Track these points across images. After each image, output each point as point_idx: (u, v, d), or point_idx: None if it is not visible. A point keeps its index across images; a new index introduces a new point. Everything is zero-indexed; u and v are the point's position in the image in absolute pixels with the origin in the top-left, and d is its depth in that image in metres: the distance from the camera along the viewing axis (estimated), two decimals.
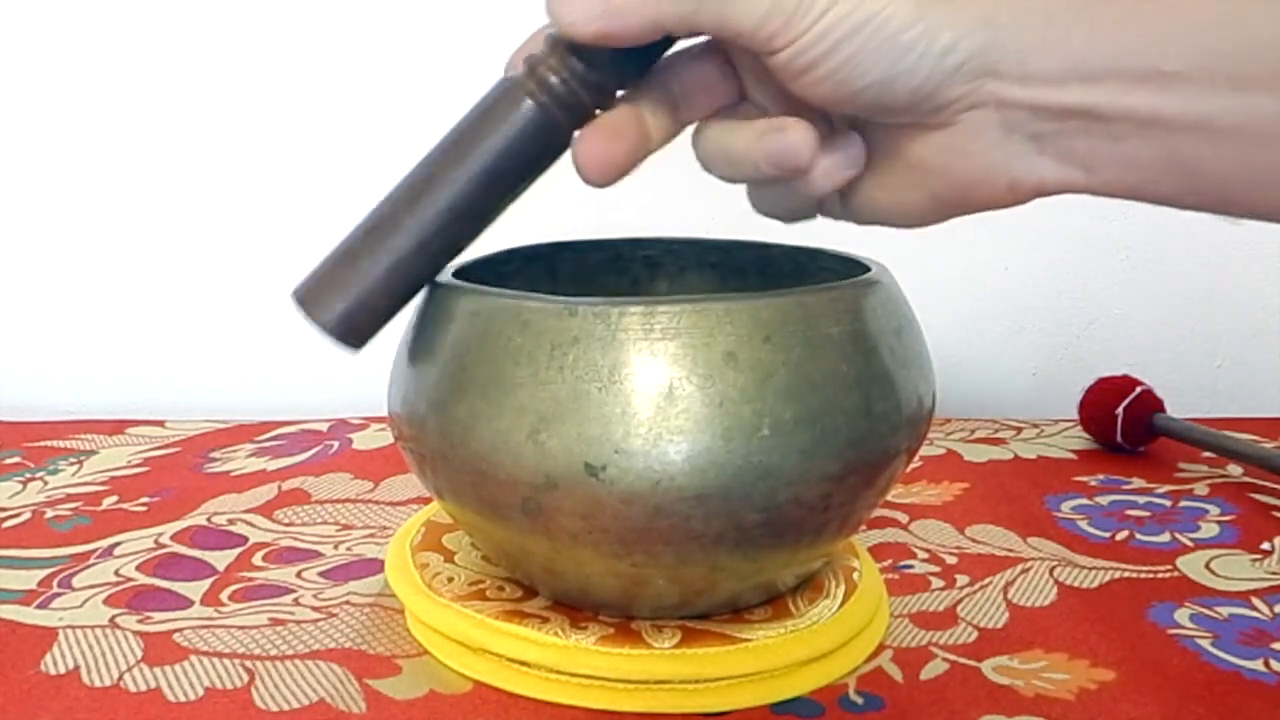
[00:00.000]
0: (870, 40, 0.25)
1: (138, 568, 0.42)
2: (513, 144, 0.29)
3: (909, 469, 0.52)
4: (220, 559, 0.43)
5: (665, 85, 0.30)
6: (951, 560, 0.42)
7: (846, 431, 0.29)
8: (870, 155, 0.29)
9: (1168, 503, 0.49)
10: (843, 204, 0.31)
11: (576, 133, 0.30)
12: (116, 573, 0.41)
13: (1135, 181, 0.26)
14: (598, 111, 0.30)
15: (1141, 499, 0.49)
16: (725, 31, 0.26)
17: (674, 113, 0.30)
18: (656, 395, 0.28)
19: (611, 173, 0.29)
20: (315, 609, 0.38)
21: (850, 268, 0.36)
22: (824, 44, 0.26)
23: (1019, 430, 0.60)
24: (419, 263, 0.30)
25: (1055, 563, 0.42)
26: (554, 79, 0.29)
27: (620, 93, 0.30)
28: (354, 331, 0.31)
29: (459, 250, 0.31)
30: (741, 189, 0.32)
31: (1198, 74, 0.24)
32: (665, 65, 0.30)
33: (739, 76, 0.30)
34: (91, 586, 0.40)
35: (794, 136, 0.28)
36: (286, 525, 0.47)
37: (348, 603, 0.39)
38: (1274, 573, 0.41)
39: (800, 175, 0.29)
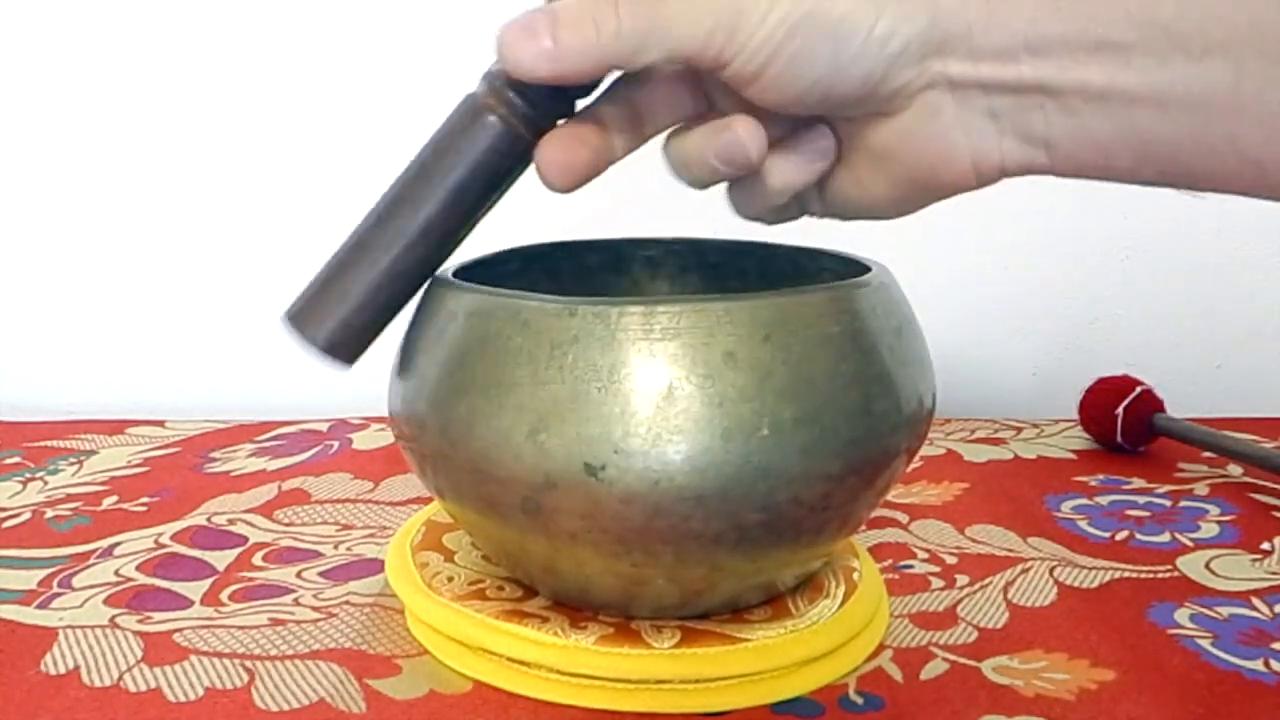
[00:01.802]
0: (811, 38, 0.26)
1: (138, 568, 0.42)
2: (478, 160, 0.30)
3: (909, 469, 0.52)
4: (220, 559, 0.43)
5: (628, 98, 0.30)
6: (951, 560, 0.42)
7: (846, 431, 0.29)
8: (838, 150, 0.30)
9: (1168, 503, 0.49)
10: (820, 200, 0.31)
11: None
12: (116, 573, 0.41)
13: (1094, 158, 0.27)
14: (560, 121, 0.30)
15: (1141, 499, 0.49)
16: (675, 59, 0.27)
17: (637, 125, 0.31)
18: (656, 395, 0.28)
19: (572, 179, 0.30)
20: (315, 609, 0.38)
21: (851, 268, 0.36)
22: (767, 49, 0.26)
23: (1019, 430, 0.60)
24: (397, 283, 0.31)
25: (1055, 563, 0.42)
26: (514, 95, 0.29)
27: (583, 102, 0.31)
28: (341, 348, 0.32)
29: (435, 266, 0.32)
30: None
31: (1148, 44, 0.24)
32: (628, 79, 0.30)
33: (704, 88, 0.30)
34: (91, 586, 0.40)
35: (740, 132, 0.28)
36: (286, 525, 0.47)
37: (348, 603, 0.39)
38: (1274, 573, 0.41)
39: (751, 170, 0.29)
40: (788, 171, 0.30)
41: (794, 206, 0.32)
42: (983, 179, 0.28)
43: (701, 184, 0.31)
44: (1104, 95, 0.25)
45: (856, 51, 0.26)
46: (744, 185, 0.31)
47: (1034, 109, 0.26)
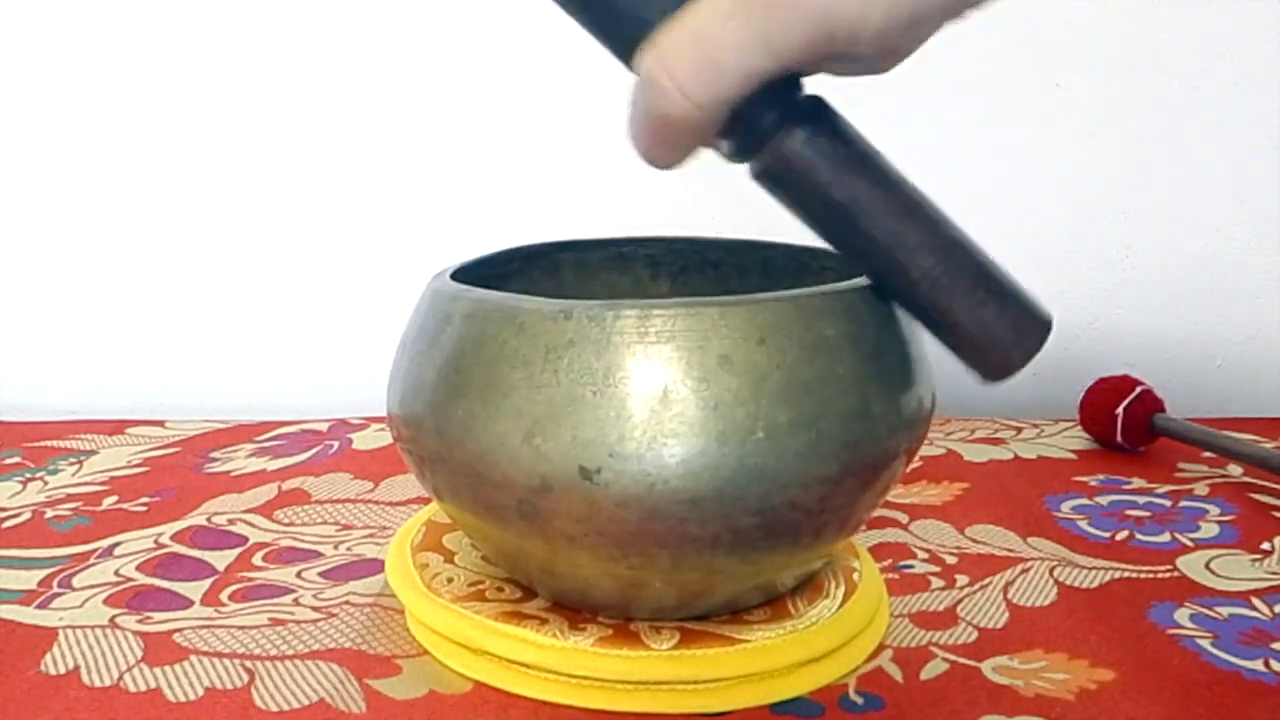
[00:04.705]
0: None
1: (138, 568, 0.42)
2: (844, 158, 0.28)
3: (909, 469, 0.52)
4: (220, 559, 0.43)
5: None
6: (951, 560, 0.42)
7: (843, 434, 0.29)
8: None
9: (1168, 503, 0.49)
10: None
11: None
12: (116, 573, 0.41)
13: None
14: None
15: (1141, 499, 0.49)
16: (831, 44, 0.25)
17: None
18: (651, 398, 0.28)
19: None
20: (315, 609, 0.38)
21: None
22: (879, 44, 0.26)
23: (1019, 430, 0.60)
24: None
25: (1055, 563, 0.42)
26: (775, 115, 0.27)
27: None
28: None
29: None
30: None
31: None
32: None
33: None
34: (91, 586, 0.40)
35: None
36: (286, 525, 0.47)
37: (348, 603, 0.39)
38: (1274, 573, 0.41)
39: None
40: None
41: None
42: None
43: None
44: None
45: None
46: None
47: None
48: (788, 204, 0.29)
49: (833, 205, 0.28)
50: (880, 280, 0.30)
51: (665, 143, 0.27)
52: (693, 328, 0.28)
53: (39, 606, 0.39)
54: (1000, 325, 0.28)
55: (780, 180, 0.28)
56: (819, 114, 0.28)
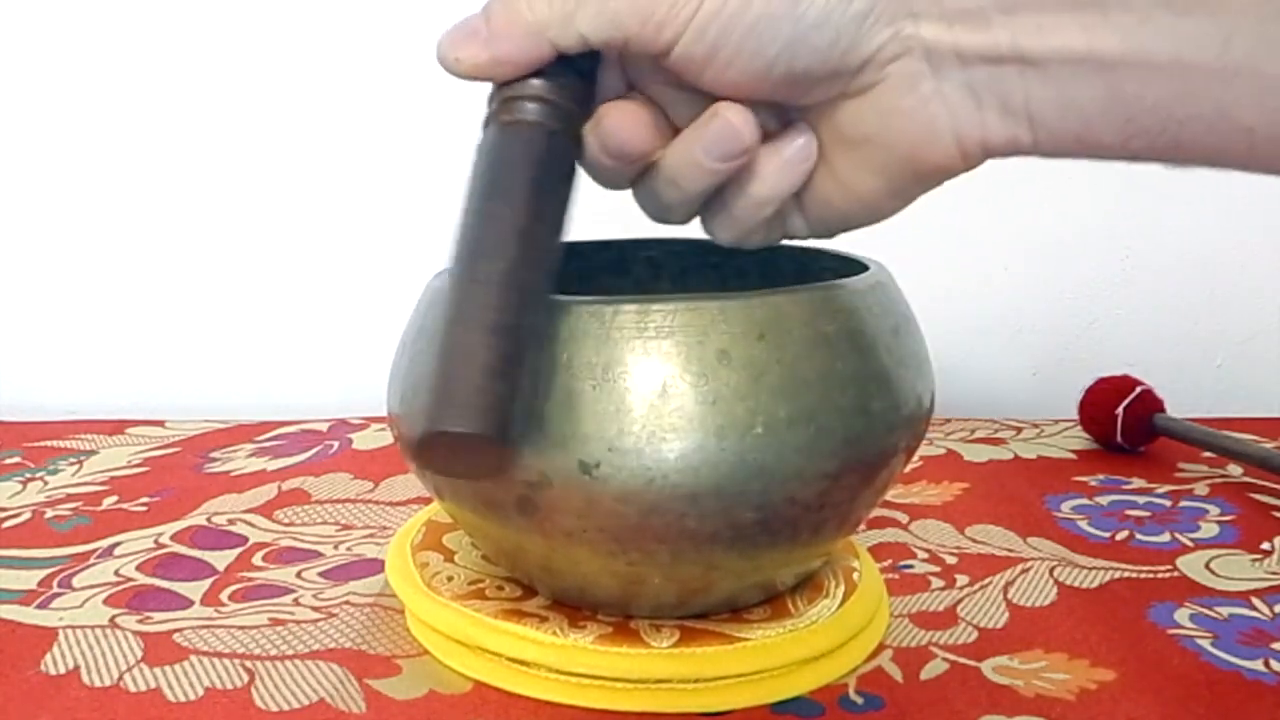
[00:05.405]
0: (768, 3, 0.24)
1: (138, 568, 0.42)
2: (534, 177, 0.27)
3: (909, 469, 0.52)
4: (220, 559, 0.43)
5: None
6: (951, 560, 0.42)
7: (842, 430, 0.29)
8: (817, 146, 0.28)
9: (1168, 503, 0.49)
10: (801, 213, 0.30)
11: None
12: (116, 573, 0.41)
13: (1079, 130, 0.25)
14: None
15: (1141, 499, 0.49)
16: (611, 35, 0.25)
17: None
18: (650, 393, 0.28)
19: (637, 146, 0.28)
20: (315, 609, 0.38)
21: (851, 268, 0.36)
22: (719, 20, 0.24)
23: (1019, 430, 0.60)
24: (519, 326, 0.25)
25: (1055, 563, 0.42)
26: (524, 99, 0.27)
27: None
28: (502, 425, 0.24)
29: (541, 299, 0.27)
30: None
31: None
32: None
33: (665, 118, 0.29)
34: (91, 586, 0.40)
35: (730, 116, 0.26)
36: (286, 525, 0.47)
37: (348, 603, 0.39)
38: (1274, 573, 0.41)
39: (747, 158, 0.27)
40: (771, 175, 0.28)
41: (776, 224, 0.30)
42: (968, 159, 0.27)
43: (690, 203, 0.29)
44: (1083, 59, 0.24)
45: (819, 15, 0.24)
46: (723, 204, 0.29)
47: (1013, 78, 0.25)
48: (483, 157, 0.28)
49: (494, 178, 0.27)
50: (454, 265, 0.26)
51: (495, 26, 0.27)
52: (692, 323, 0.28)
53: (39, 606, 0.39)
54: (478, 378, 0.24)
55: (497, 131, 0.27)
56: (571, 118, 0.27)
